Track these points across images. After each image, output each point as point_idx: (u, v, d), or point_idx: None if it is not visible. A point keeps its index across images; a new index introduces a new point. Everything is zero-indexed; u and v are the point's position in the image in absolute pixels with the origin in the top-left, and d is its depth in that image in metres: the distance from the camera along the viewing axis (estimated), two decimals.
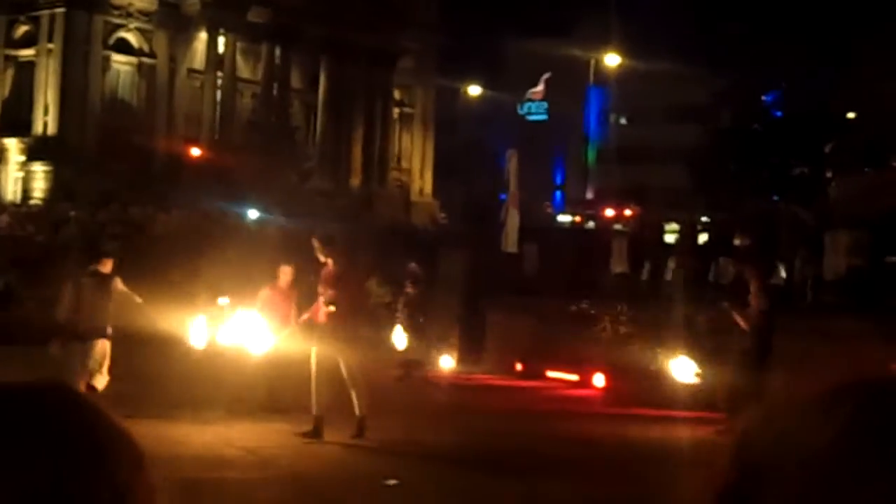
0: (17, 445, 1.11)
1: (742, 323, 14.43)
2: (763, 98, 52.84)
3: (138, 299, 13.48)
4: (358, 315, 13.28)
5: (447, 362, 19.26)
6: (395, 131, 69.90)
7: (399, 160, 70.43)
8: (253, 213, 40.92)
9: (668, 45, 64.31)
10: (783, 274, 25.95)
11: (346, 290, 12.68)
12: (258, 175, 52.45)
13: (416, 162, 71.29)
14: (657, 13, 69.65)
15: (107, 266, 13.45)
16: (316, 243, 12.93)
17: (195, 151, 57.40)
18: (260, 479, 10.95)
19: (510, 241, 26.33)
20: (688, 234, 36.62)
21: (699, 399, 15.22)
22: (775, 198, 46.06)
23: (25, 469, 1.09)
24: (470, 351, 20.47)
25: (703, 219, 45.04)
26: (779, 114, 52.03)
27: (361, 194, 62.96)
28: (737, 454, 1.12)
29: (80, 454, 1.13)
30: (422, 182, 71.12)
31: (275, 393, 14.32)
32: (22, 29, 58.34)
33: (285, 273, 14.95)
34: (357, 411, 12.53)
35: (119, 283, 13.37)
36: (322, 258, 12.82)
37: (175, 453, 10.54)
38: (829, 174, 44.84)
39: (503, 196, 28.47)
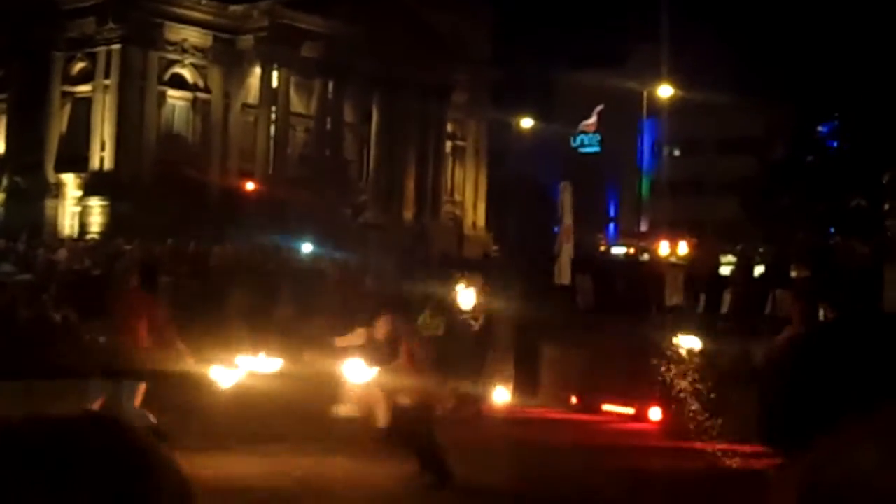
0: (68, 476, 1.11)
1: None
2: (818, 129, 52.39)
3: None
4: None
5: (502, 396, 19.16)
6: (447, 164, 70.05)
7: (452, 193, 70.54)
8: (307, 247, 41.04)
9: (720, 76, 64.10)
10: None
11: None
12: (312, 209, 52.71)
13: (468, 195, 71.37)
14: (710, 44, 69.47)
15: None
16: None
17: (249, 186, 57.80)
18: None
19: (563, 273, 26.21)
20: (743, 266, 36.29)
21: (757, 432, 15.02)
22: (832, 230, 45.61)
23: (75, 500, 1.10)
24: (524, 384, 20.34)
25: (759, 250, 44.63)
26: (834, 144, 51.58)
27: (414, 227, 63.10)
28: (805, 488, 1.08)
29: (129, 485, 1.13)
30: (475, 215, 71.18)
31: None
32: (79, 65, 59.12)
33: (383, 324, 14.07)
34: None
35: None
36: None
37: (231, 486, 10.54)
38: (886, 206, 44.31)
39: (556, 228, 28.40)
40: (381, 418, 12.81)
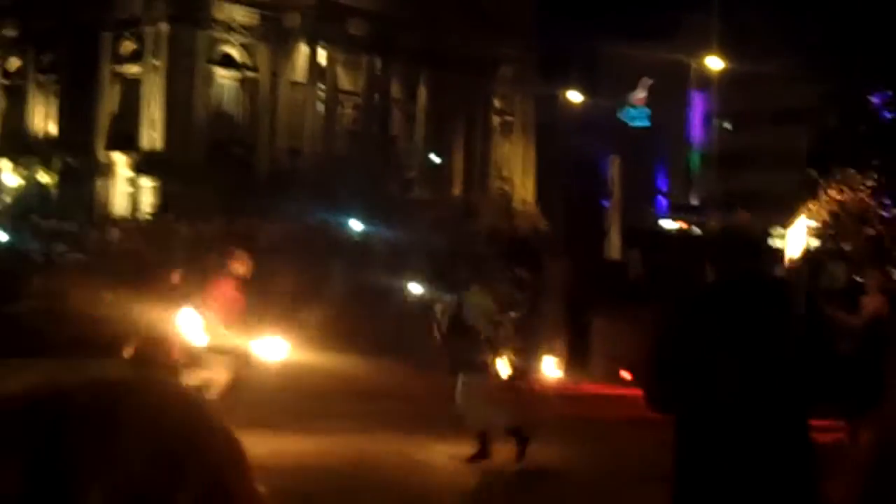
0: (119, 435, 1.13)
1: (855, 319, 14.09)
2: (871, 99, 51.77)
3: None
4: None
5: (553, 371, 19.07)
6: (495, 140, 69.90)
7: (500, 169, 70.41)
8: (356, 224, 41.10)
9: (771, 46, 63.41)
10: None
11: None
12: (360, 186, 52.80)
13: (517, 170, 71.20)
14: (760, 15, 68.74)
15: (175, 278, 12.60)
16: None
17: (298, 163, 57.99)
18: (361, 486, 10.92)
19: (613, 247, 26.12)
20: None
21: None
22: (888, 202, 45.09)
23: (125, 460, 1.12)
24: (575, 359, 20.27)
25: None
26: (888, 115, 50.95)
27: (463, 203, 63.04)
28: (878, 459, 1.06)
29: (180, 444, 1.15)
30: (523, 190, 71.01)
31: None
32: (127, 46, 59.45)
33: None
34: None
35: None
36: None
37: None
38: None
39: (606, 202, 28.26)
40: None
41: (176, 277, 12.58)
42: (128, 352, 12.47)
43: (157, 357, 12.09)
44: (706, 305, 5.39)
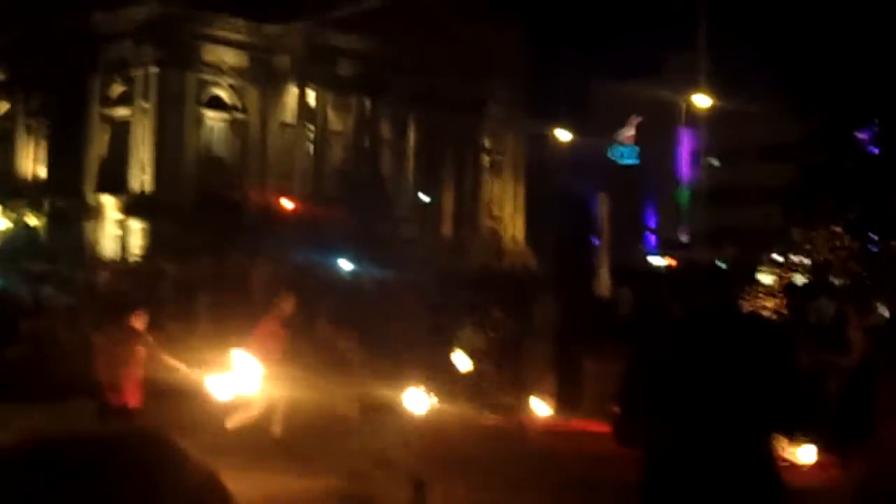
0: (113, 488, 1.13)
1: (845, 359, 14.14)
2: (857, 135, 51.97)
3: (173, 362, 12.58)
4: None
5: (543, 409, 19.07)
6: (485, 178, 70.05)
7: (490, 207, 70.50)
8: (346, 265, 41.07)
9: (758, 83, 63.76)
10: (885, 314, 25.38)
11: None
12: (350, 226, 52.82)
13: (507, 208, 71.35)
14: (746, 52, 69.13)
15: (139, 321, 12.42)
16: None
17: (288, 204, 58.02)
18: None
19: (603, 285, 26.16)
20: (784, 275, 36.03)
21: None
22: (874, 236, 45.20)
23: None
24: (566, 397, 20.25)
25: (800, 259, 44.21)
26: (874, 150, 51.16)
27: (453, 242, 63.09)
28: (869, 489, 1.07)
29: (173, 497, 1.15)
30: (513, 228, 71.13)
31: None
32: (117, 88, 59.60)
33: None
34: None
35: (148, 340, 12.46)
36: None
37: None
38: None
39: (596, 240, 28.32)
40: None
41: (139, 321, 12.32)
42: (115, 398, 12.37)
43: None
44: (670, 340, 5.43)
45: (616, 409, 5.44)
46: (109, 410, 11.68)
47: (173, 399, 13.49)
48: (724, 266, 5.79)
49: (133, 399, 11.89)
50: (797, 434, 5.45)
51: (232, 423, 13.99)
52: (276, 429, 14.34)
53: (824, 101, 52.85)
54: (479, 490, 12.47)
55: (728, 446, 4.95)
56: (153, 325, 13.06)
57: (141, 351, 12.11)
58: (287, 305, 14.61)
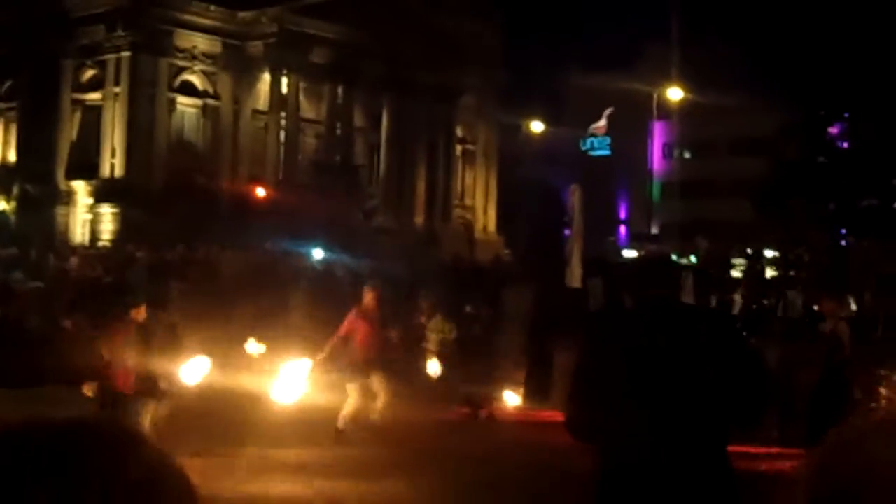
0: (71, 479, 1.12)
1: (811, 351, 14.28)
2: (829, 130, 52.25)
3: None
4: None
5: (513, 399, 19.12)
6: (458, 168, 70.06)
7: (462, 197, 70.54)
8: (318, 253, 41.01)
9: (731, 77, 63.97)
10: (854, 307, 25.57)
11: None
12: (322, 214, 52.72)
13: (479, 199, 71.38)
14: (719, 46, 69.36)
15: (140, 314, 12.67)
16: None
17: (260, 191, 57.87)
18: None
19: (575, 276, 26.16)
20: (754, 268, 36.27)
21: (776, 434, 15.01)
22: (843, 231, 45.51)
23: (84, 501, 1.11)
24: (536, 387, 20.30)
25: (771, 253, 44.54)
26: (845, 145, 51.46)
27: (425, 232, 63.11)
28: (819, 483, 1.08)
29: (132, 487, 1.14)
30: (485, 219, 71.17)
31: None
32: (89, 73, 59.27)
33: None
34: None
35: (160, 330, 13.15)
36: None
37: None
38: None
39: (567, 231, 28.34)
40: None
41: (140, 314, 12.57)
42: (89, 388, 12.56)
43: (114, 388, 12.24)
44: (615, 332, 5.46)
45: (568, 401, 5.46)
46: (107, 395, 12.26)
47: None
48: (677, 261, 5.84)
49: (126, 386, 12.25)
50: (750, 425, 5.44)
51: (342, 422, 14.66)
52: (376, 417, 14.90)
53: (797, 96, 53.15)
54: (448, 481, 12.49)
55: (675, 438, 4.95)
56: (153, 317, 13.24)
57: (146, 340, 12.56)
58: (369, 300, 15.06)
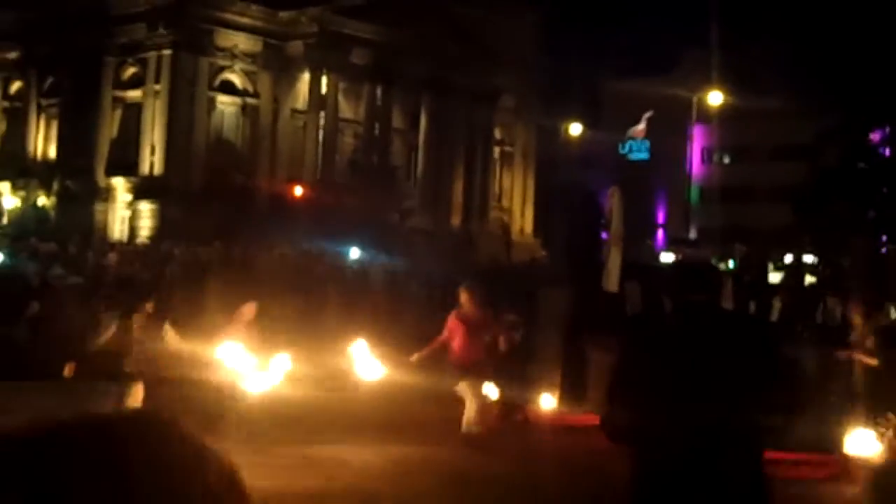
0: (122, 472, 1.13)
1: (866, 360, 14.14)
2: (870, 136, 51.86)
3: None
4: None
5: (548, 403, 19.02)
6: (495, 170, 70.02)
7: (500, 199, 70.49)
8: (354, 253, 41.04)
9: (771, 82, 63.62)
10: (893, 315, 25.31)
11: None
12: (359, 214, 52.81)
13: (516, 200, 71.30)
14: (760, 51, 68.98)
15: (148, 307, 13.47)
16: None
17: (297, 191, 58.02)
18: None
19: (612, 280, 26.03)
20: (793, 274, 36.01)
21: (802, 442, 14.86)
22: (884, 238, 45.14)
23: (127, 497, 1.12)
24: (572, 391, 20.20)
25: (810, 259, 44.22)
26: (886, 152, 51.05)
27: (462, 233, 63.07)
28: (873, 497, 1.05)
29: (183, 480, 1.15)
30: (522, 221, 71.07)
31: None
32: (129, 71, 59.66)
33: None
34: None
35: (166, 326, 13.61)
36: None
37: None
38: None
39: (604, 235, 28.22)
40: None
41: (150, 307, 13.30)
42: (69, 369, 12.97)
43: (108, 369, 12.56)
44: (655, 336, 5.44)
45: (605, 404, 5.46)
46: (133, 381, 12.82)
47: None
48: (717, 266, 5.84)
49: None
50: (785, 431, 5.40)
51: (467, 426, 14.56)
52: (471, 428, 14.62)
53: (838, 102, 52.77)
54: (484, 481, 12.44)
55: (713, 443, 4.94)
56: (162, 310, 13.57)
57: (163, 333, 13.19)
58: (465, 301, 14.91)
